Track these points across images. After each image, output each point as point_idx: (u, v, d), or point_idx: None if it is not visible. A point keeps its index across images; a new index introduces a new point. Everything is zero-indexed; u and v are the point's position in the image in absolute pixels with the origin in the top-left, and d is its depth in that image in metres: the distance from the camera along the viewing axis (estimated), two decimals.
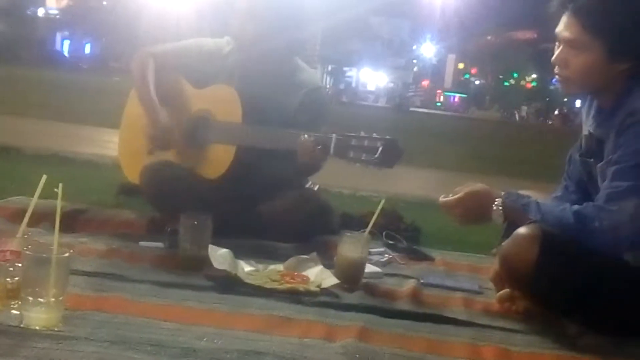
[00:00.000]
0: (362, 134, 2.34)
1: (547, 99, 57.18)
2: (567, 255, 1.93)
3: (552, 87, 53.01)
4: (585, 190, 2.22)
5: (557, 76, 2.12)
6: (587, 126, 2.18)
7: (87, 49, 44.21)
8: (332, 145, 2.38)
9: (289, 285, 2.04)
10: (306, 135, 2.43)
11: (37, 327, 1.51)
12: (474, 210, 2.15)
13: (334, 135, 2.39)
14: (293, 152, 2.46)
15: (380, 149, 2.27)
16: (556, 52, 2.09)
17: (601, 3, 2.01)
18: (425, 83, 61.55)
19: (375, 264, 2.46)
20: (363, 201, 4.25)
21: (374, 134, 2.34)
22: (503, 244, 2.04)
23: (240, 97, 2.64)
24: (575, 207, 2.01)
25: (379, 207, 2.24)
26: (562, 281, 1.93)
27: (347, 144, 2.35)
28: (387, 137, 2.31)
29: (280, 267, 2.22)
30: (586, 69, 2.04)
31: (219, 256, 2.11)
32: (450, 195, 2.18)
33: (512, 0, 51.34)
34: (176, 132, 2.72)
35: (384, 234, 2.87)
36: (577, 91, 2.18)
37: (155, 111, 2.72)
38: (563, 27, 2.05)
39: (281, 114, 2.66)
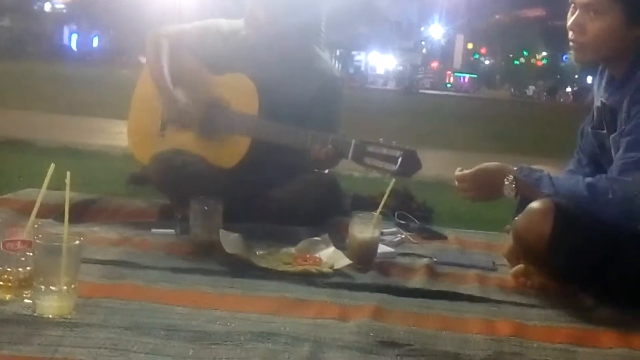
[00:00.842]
0: (381, 141, 2.34)
1: (558, 77, 56.79)
2: (581, 228, 1.91)
3: (562, 65, 52.65)
4: (598, 162, 2.20)
5: (571, 43, 2.07)
6: (599, 97, 2.15)
7: (95, 42, 44.27)
8: (351, 150, 2.39)
9: (301, 267, 2.03)
10: (324, 140, 2.43)
11: (49, 315, 1.51)
12: (486, 185, 2.14)
13: (353, 140, 2.40)
14: (308, 151, 2.47)
15: (400, 159, 2.28)
16: (572, 18, 2.05)
17: None
18: (434, 64, 61.24)
19: (388, 244, 2.45)
20: (374, 183, 4.21)
21: (394, 142, 2.34)
22: (516, 218, 2.02)
23: (256, 85, 2.61)
24: (588, 179, 1.99)
25: (389, 187, 2.23)
26: (577, 254, 1.91)
27: (365, 151, 2.36)
28: (407, 147, 2.31)
29: (292, 249, 2.21)
30: (603, 34, 2.00)
31: (231, 240, 2.11)
32: (465, 171, 2.17)
33: None
34: (192, 112, 2.69)
35: (396, 214, 2.86)
36: (591, 58, 2.12)
37: (170, 89, 2.68)
38: None
39: (296, 102, 2.62)
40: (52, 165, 1.68)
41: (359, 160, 2.39)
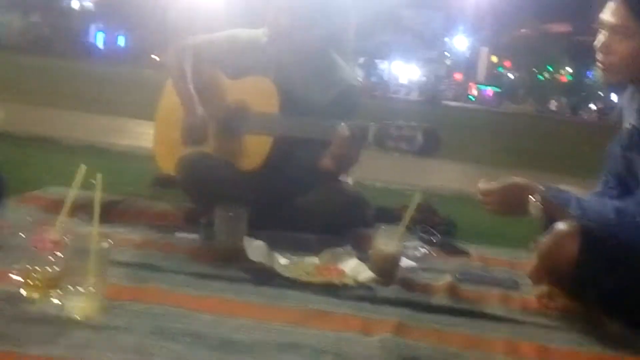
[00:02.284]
0: (401, 122, 2.33)
1: (583, 93, 56.40)
2: (607, 251, 1.90)
3: (587, 81, 52.29)
4: (626, 184, 2.18)
5: (599, 64, 2.07)
6: (628, 119, 2.14)
7: (121, 41, 44.62)
8: (371, 134, 2.37)
9: (324, 279, 2.04)
10: (343, 124, 2.42)
11: (77, 317, 1.53)
12: (511, 201, 2.13)
13: (372, 123, 2.38)
14: (329, 143, 2.45)
15: (420, 137, 2.26)
16: (599, 39, 2.05)
17: None
18: (457, 76, 61.06)
19: (410, 258, 2.44)
20: (396, 194, 4.22)
21: (412, 122, 2.33)
22: (542, 239, 2.01)
23: (276, 87, 2.64)
24: (616, 202, 1.98)
25: (415, 201, 2.22)
26: (603, 278, 1.89)
27: (386, 133, 2.35)
28: (426, 125, 2.30)
29: (315, 259, 2.21)
30: (630, 56, 2.00)
31: (255, 248, 2.12)
32: (490, 184, 2.17)
33: None
34: (212, 125, 2.72)
35: (418, 228, 2.85)
36: (619, 79, 2.12)
37: (192, 103, 2.72)
38: (609, 12, 2.02)
39: (314, 108, 2.64)
40: (83, 167, 1.71)
41: (380, 142, 2.37)
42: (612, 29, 2.01)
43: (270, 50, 2.75)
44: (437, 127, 2.31)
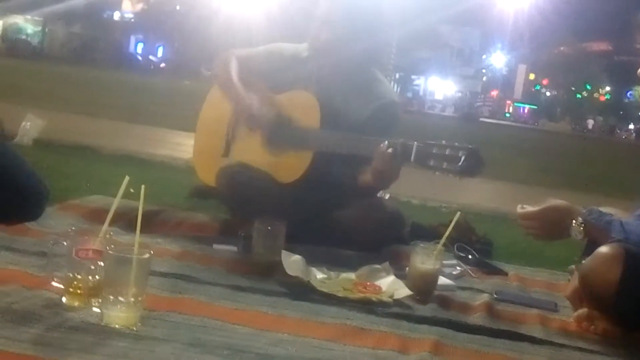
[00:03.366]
0: (444, 142, 2.33)
1: (621, 112, 55.68)
2: None
3: (626, 101, 51.60)
4: None
5: None
6: None
7: (160, 52, 45.22)
8: (413, 153, 2.37)
9: (361, 295, 2.03)
10: (386, 142, 2.42)
11: (116, 326, 1.54)
12: (552, 225, 2.11)
13: (415, 142, 2.38)
14: (370, 160, 2.45)
15: (463, 158, 2.25)
16: None
17: None
18: (494, 93, 60.73)
19: (447, 276, 2.43)
20: (432, 212, 4.21)
21: (456, 143, 2.32)
22: (584, 262, 1.98)
23: (318, 101, 2.65)
24: None
25: (454, 219, 2.21)
26: None
27: (428, 152, 2.34)
28: (470, 146, 2.28)
29: (352, 275, 2.20)
30: None
31: (292, 262, 2.12)
32: (529, 207, 2.14)
33: (586, 11, 50.22)
34: (252, 137, 2.73)
35: (455, 246, 2.83)
36: None
37: (242, 93, 2.73)
38: None
39: (353, 123, 2.65)
40: (127, 178, 1.72)
41: (422, 161, 2.36)
42: None
43: (311, 65, 2.77)
44: (479, 147, 2.29)
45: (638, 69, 2.08)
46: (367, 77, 2.82)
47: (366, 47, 2.76)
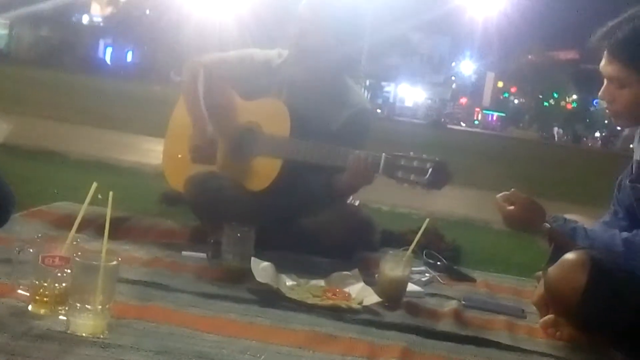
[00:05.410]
0: (412, 154, 2.34)
1: (587, 120, 56.51)
2: (615, 282, 1.90)
3: (592, 109, 52.40)
4: (635, 216, 2.18)
5: (607, 110, 2.12)
6: (638, 154, 2.15)
7: (129, 56, 44.87)
8: (381, 164, 2.38)
9: (331, 302, 2.03)
10: (357, 153, 2.43)
11: (83, 334, 1.52)
12: (525, 215, 2.15)
13: (383, 154, 2.39)
14: (340, 169, 2.46)
15: (430, 170, 2.27)
16: (603, 88, 2.09)
17: (636, 37, 1.99)
18: (463, 100, 61.26)
19: (416, 283, 2.44)
20: (402, 218, 4.22)
21: (424, 155, 2.34)
22: (550, 269, 2.01)
23: (288, 109, 2.65)
24: (625, 234, 1.98)
25: (423, 226, 2.22)
26: (610, 309, 1.89)
27: (396, 164, 2.35)
28: (437, 158, 2.30)
29: (321, 282, 2.21)
30: (632, 103, 2.04)
31: (262, 269, 2.11)
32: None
33: (554, 20, 50.97)
34: (222, 144, 2.73)
35: (424, 252, 2.84)
36: (628, 124, 2.20)
37: (203, 123, 2.73)
38: (604, 64, 2.06)
39: (324, 131, 2.65)
40: (94, 185, 1.70)
41: (390, 173, 2.37)
42: (610, 79, 2.05)
43: (283, 72, 2.76)
44: (446, 160, 2.31)
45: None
46: (340, 84, 2.82)
47: (344, 53, 2.76)
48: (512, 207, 2.16)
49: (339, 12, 2.71)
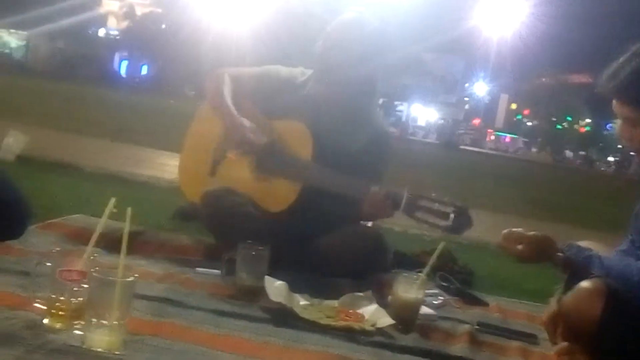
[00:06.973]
0: (434, 196, 2.35)
1: (600, 144, 56.30)
2: (631, 312, 1.88)
3: (605, 133, 52.20)
4: None
5: (627, 146, 2.14)
6: None
7: (144, 70, 45.14)
8: (403, 202, 2.39)
9: (344, 323, 2.03)
10: (378, 188, 2.43)
11: (99, 349, 1.53)
12: (535, 251, 2.14)
13: (405, 193, 2.40)
14: (360, 200, 2.47)
15: (452, 216, 2.28)
16: (619, 126, 2.10)
17: (636, 77, 1.99)
18: (476, 121, 61.19)
19: (429, 305, 2.43)
20: (415, 240, 4.20)
21: (446, 198, 2.34)
22: (565, 296, 2.00)
23: (311, 133, 2.65)
24: None
25: (438, 250, 2.21)
26: (626, 339, 1.88)
27: (418, 204, 2.36)
28: (459, 204, 2.31)
29: (335, 303, 2.20)
30: None
31: (275, 288, 2.11)
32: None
33: (568, 43, 50.93)
34: (256, 138, 2.70)
35: (437, 275, 2.83)
36: None
37: (234, 114, 2.71)
38: (615, 105, 2.07)
39: (345, 152, 2.65)
40: (113, 200, 1.71)
41: (410, 213, 2.38)
42: (625, 119, 2.06)
43: (308, 90, 2.77)
44: (468, 206, 2.31)
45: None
46: (362, 105, 2.82)
47: (367, 75, 2.76)
48: (520, 247, 2.15)
49: (366, 30, 2.71)
